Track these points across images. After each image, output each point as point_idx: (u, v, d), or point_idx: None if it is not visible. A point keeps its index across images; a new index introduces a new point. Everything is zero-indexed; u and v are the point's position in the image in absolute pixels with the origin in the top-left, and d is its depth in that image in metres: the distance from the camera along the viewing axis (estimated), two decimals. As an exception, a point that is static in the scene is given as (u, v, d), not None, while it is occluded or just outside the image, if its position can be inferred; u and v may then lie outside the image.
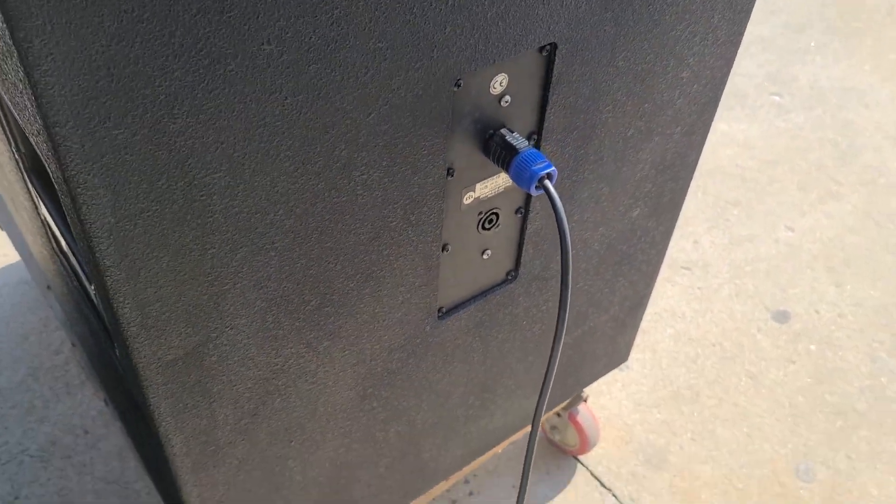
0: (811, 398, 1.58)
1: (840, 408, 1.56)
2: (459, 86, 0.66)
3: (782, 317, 1.72)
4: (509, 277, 0.91)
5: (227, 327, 0.66)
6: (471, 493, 1.42)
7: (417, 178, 0.69)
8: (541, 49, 0.69)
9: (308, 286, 0.69)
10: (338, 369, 0.80)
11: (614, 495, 1.42)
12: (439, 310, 0.85)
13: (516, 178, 0.70)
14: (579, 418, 1.38)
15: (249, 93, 0.53)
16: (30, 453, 1.42)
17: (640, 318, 1.21)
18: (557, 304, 1.01)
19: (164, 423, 0.69)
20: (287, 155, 0.59)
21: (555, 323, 1.04)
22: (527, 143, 0.71)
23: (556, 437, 1.46)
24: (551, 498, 1.41)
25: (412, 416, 0.96)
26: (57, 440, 1.45)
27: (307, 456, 0.86)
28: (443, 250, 0.79)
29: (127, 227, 0.54)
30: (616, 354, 1.24)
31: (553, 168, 0.69)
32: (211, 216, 0.58)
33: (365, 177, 0.65)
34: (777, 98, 2.27)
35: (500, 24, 0.63)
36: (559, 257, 0.93)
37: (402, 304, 0.80)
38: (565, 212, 0.87)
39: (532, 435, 0.83)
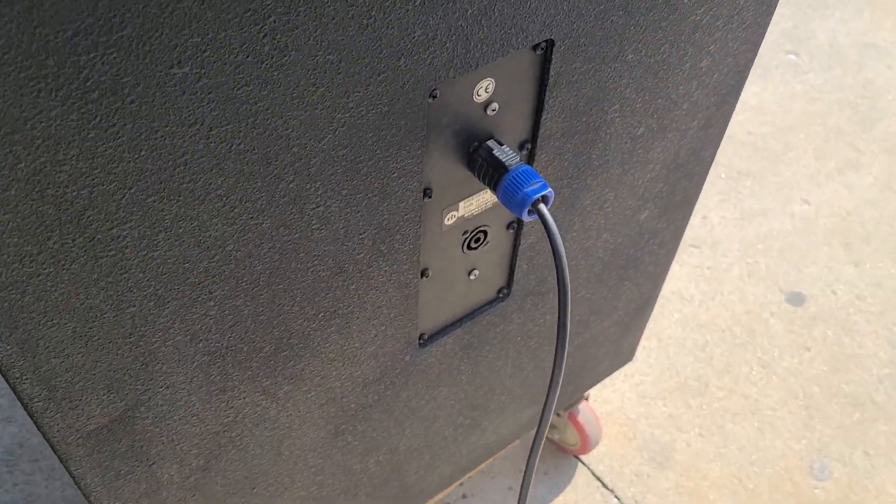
0: (826, 388, 1.48)
1: (857, 398, 1.47)
2: (435, 97, 0.54)
3: (797, 299, 1.62)
4: (501, 295, 0.80)
5: (161, 387, 0.56)
6: (464, 496, 1.33)
7: (387, 204, 0.58)
8: (535, 47, 0.57)
9: (259, 332, 0.59)
10: (303, 412, 0.70)
11: (617, 497, 1.34)
12: (420, 337, 0.75)
13: (506, 200, 0.59)
14: (580, 418, 1.29)
15: (160, 127, 0.42)
16: (-6, 457, 1.34)
17: (647, 319, 1.10)
18: (555, 319, 0.91)
19: (94, 494, 0.59)
20: (219, 195, 0.47)
21: (553, 336, 0.93)
22: (517, 157, 0.60)
23: (555, 436, 1.37)
24: (550, 500, 1.33)
25: (394, 443, 0.86)
26: (24, 442, 1.36)
27: (274, 499, 0.77)
28: (422, 276, 0.68)
29: (13, 295, 0.43)
30: (620, 356, 1.14)
31: (549, 190, 0.58)
32: (126, 272, 0.47)
33: (321, 209, 0.54)
34: (793, 57, 2.13)
35: (483, 22, 0.51)
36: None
37: (376, 338, 0.69)
38: (565, 221, 0.76)
39: (532, 454, 0.74)
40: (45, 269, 0.43)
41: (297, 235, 0.54)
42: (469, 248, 0.70)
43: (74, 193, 0.41)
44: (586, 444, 1.32)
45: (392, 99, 0.51)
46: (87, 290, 0.46)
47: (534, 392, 1.03)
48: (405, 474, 0.93)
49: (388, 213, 0.59)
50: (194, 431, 0.62)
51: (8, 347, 0.45)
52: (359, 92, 0.49)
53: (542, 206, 0.58)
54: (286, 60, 0.44)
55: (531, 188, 0.58)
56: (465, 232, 0.69)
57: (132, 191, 0.43)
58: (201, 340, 0.55)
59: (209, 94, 0.42)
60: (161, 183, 0.44)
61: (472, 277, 0.74)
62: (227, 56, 0.41)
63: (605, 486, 1.35)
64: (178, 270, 0.49)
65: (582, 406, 1.29)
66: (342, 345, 0.67)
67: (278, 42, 0.43)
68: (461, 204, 0.65)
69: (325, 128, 0.49)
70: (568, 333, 0.62)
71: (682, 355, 1.52)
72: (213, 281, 0.52)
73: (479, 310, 0.79)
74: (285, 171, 0.50)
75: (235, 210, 0.49)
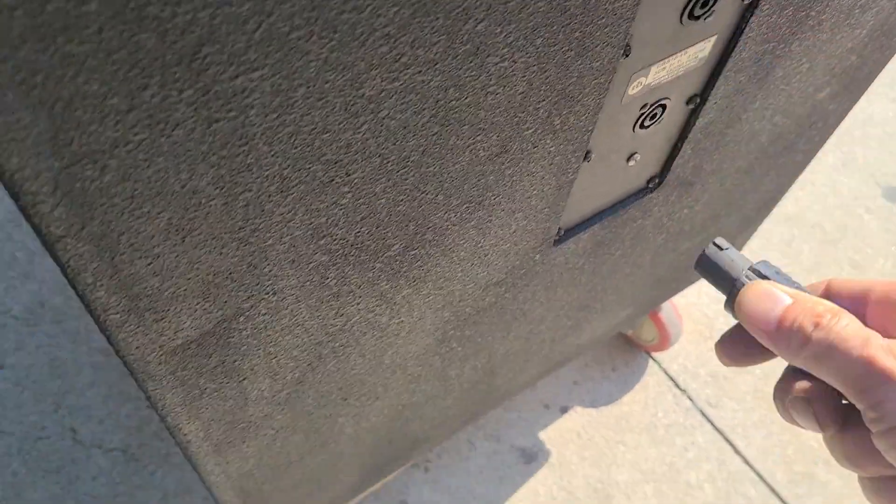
0: (922, 295, 1.35)
1: (954, 308, 1.34)
2: None
3: (895, 194, 1.46)
4: (651, 185, 0.65)
5: (267, 293, 0.42)
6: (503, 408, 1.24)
7: (581, 62, 0.42)
8: None
9: (392, 227, 0.44)
10: (416, 318, 0.56)
11: (690, 398, 1.24)
12: (557, 232, 0.60)
13: None
14: (662, 315, 1.17)
15: None
16: (14, 314, 1.23)
17: (768, 215, 0.96)
18: (693, 213, 0.76)
19: (172, 414, 0.47)
20: (385, 35, 0.31)
21: (685, 231, 0.79)
22: None
23: (629, 331, 1.25)
24: (617, 398, 1.23)
25: (495, 348, 0.74)
26: (45, 301, 1.24)
27: (363, 409, 0.65)
28: (584, 160, 0.53)
29: (88, 172, 0.28)
30: (729, 254, 1.00)
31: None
32: (247, 143, 0.32)
33: (505, 65, 0.38)
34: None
35: None
36: (716, 155, 0.67)
37: (514, 233, 0.55)
38: (748, 97, 0.60)
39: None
40: (136, 134, 0.28)
41: (467, 100, 0.38)
42: (642, 126, 0.54)
43: (188, 17, 0.25)
44: (665, 342, 1.21)
45: None
46: (192, 167, 0.31)
47: (638, 292, 0.89)
48: (496, 377, 0.82)
49: (578, 75, 0.43)
50: (295, 343, 0.48)
51: (79, 245, 0.31)
52: None
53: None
54: None
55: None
56: (644, 106, 0.53)
57: (271, 19, 0.27)
58: (325, 236, 0.41)
59: None
60: (313, 10, 0.28)
61: (630, 163, 0.58)
62: None
63: (677, 385, 1.25)
64: (313, 143, 0.34)
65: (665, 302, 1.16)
66: (477, 242, 0.52)
67: None
68: (653, 68, 0.49)
69: (546, -61, 0.32)
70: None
71: (767, 249, 1.38)
72: (355, 159, 0.37)
73: (624, 201, 0.64)
74: (476, 6, 0.33)
75: (402, 60, 0.33)
